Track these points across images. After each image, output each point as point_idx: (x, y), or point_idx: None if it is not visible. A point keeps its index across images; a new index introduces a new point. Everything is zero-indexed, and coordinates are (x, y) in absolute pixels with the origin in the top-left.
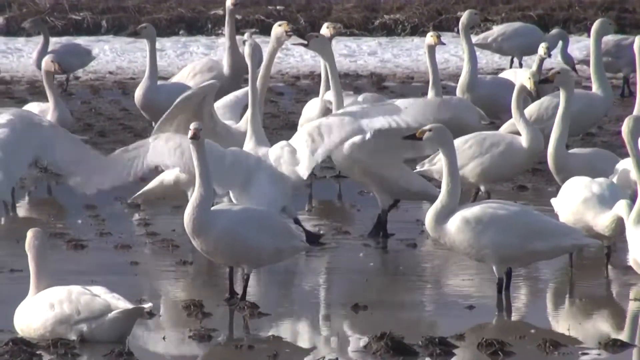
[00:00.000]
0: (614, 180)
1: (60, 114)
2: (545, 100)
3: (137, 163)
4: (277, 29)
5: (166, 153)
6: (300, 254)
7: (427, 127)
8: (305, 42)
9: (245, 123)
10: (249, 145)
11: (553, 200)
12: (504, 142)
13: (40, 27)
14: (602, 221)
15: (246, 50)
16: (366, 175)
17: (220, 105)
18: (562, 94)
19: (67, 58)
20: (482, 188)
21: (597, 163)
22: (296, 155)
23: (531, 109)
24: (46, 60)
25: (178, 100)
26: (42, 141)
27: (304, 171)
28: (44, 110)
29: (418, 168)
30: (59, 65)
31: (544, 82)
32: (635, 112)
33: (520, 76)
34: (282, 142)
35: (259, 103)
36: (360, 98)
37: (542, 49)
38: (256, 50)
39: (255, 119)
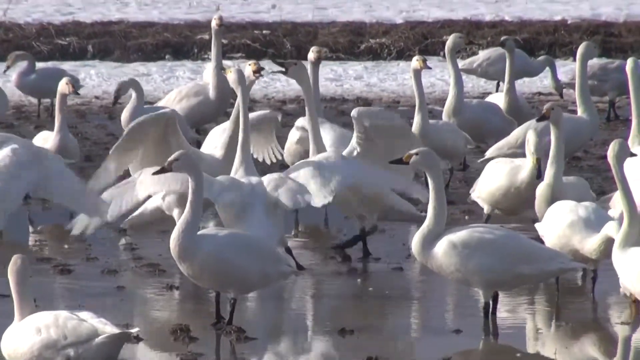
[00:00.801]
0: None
1: (61, 139)
2: (531, 123)
3: (127, 199)
4: (247, 68)
5: (162, 181)
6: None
7: (414, 151)
8: (284, 69)
9: (221, 151)
10: (238, 173)
11: (537, 225)
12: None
13: (22, 58)
14: (589, 244)
15: (232, 77)
16: (355, 195)
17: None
18: (553, 130)
19: (50, 83)
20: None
21: (582, 191)
22: (303, 186)
23: (517, 133)
24: (62, 82)
25: (130, 127)
26: (41, 176)
27: (320, 200)
28: (46, 137)
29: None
30: (73, 86)
31: (541, 120)
32: (631, 134)
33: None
34: (276, 174)
35: (248, 132)
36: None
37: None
38: (243, 76)
39: (245, 147)
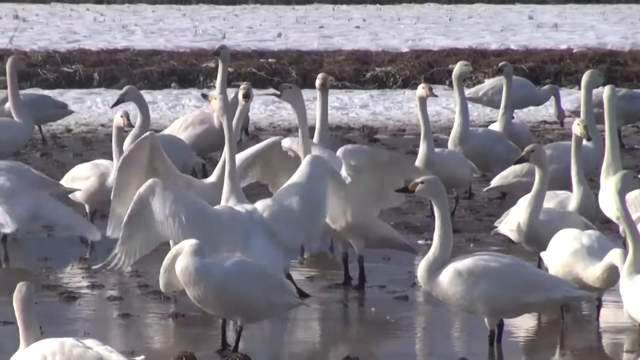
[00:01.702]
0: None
1: None
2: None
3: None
4: (239, 97)
5: (163, 222)
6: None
7: (420, 179)
8: (278, 92)
9: (215, 177)
10: (230, 202)
11: (543, 254)
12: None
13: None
14: (592, 272)
15: (216, 105)
16: (346, 224)
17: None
18: (537, 171)
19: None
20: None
21: (566, 225)
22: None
23: (515, 168)
24: (116, 116)
25: (119, 165)
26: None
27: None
28: (103, 173)
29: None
30: (127, 119)
31: (519, 162)
32: (604, 163)
33: (573, 128)
34: (269, 200)
35: (234, 159)
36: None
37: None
38: (228, 105)
39: (233, 174)
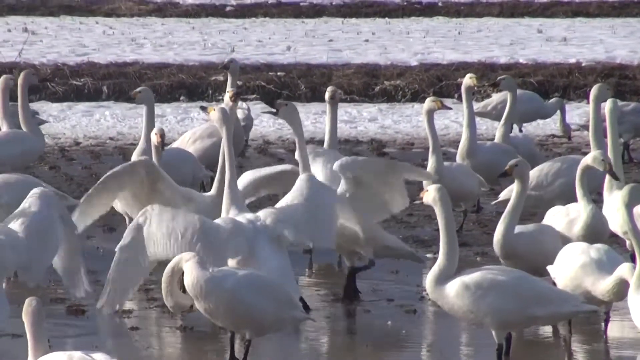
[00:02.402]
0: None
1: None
2: (545, 166)
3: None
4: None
5: (161, 242)
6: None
7: (427, 187)
8: (274, 110)
9: (215, 190)
10: (231, 212)
11: (549, 268)
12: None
13: None
14: (602, 286)
15: (215, 116)
16: (353, 235)
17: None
18: (516, 185)
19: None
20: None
21: (543, 239)
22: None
23: (531, 175)
24: (152, 134)
25: (104, 178)
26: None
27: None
28: None
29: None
30: (161, 137)
31: (503, 176)
32: (607, 179)
33: (588, 157)
34: (272, 209)
35: (234, 171)
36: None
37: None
38: (227, 115)
39: (233, 184)
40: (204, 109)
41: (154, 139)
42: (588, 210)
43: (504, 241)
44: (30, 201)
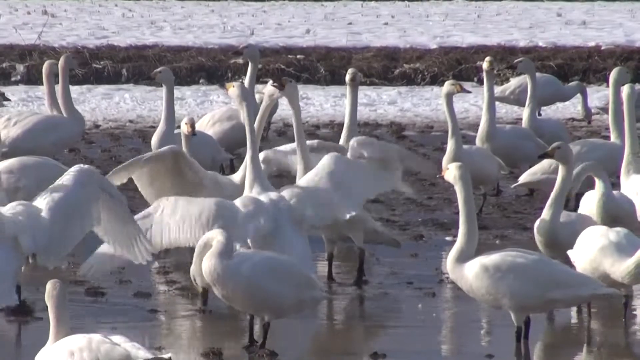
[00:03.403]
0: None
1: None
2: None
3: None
4: (268, 87)
5: (174, 229)
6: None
7: (449, 165)
8: (277, 85)
9: (242, 172)
10: (254, 190)
11: (570, 252)
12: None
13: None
14: (621, 268)
15: (234, 92)
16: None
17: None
18: (560, 170)
19: None
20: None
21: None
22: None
23: (543, 165)
24: (182, 123)
25: (130, 162)
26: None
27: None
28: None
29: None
30: (191, 127)
31: (543, 157)
32: (624, 161)
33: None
34: (296, 187)
35: (257, 148)
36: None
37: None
38: (246, 91)
39: (255, 161)
40: (222, 85)
41: (185, 128)
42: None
43: (550, 229)
44: (65, 178)
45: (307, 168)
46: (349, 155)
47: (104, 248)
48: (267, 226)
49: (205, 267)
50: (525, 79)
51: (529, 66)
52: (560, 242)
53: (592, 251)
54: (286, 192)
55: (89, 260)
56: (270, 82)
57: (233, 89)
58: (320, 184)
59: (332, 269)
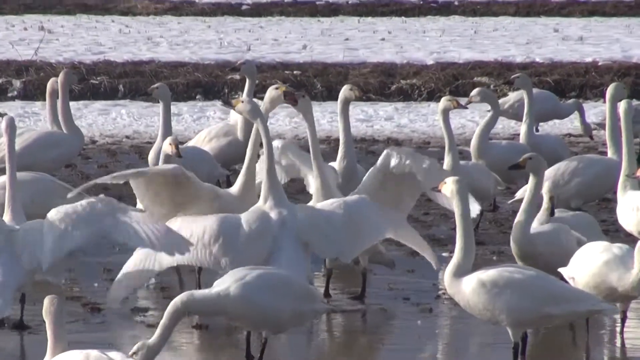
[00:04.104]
0: None
1: None
2: (561, 165)
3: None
4: (272, 92)
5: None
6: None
7: (447, 179)
8: (293, 101)
9: (240, 186)
10: (267, 203)
11: (562, 270)
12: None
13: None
14: (630, 279)
15: (244, 108)
16: None
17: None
18: (531, 180)
19: None
20: (573, 204)
21: (560, 239)
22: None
23: (547, 174)
24: (165, 143)
25: (127, 174)
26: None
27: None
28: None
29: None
30: (176, 147)
31: (514, 168)
32: (621, 178)
33: None
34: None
35: (272, 160)
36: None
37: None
38: (257, 106)
39: (271, 175)
40: (227, 103)
41: (168, 149)
42: None
43: (522, 239)
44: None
45: (324, 184)
46: (378, 163)
47: (129, 267)
48: (266, 251)
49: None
50: (524, 93)
51: (526, 82)
52: (534, 252)
53: (596, 265)
54: (301, 212)
55: (118, 282)
56: (273, 87)
57: (242, 104)
58: (336, 217)
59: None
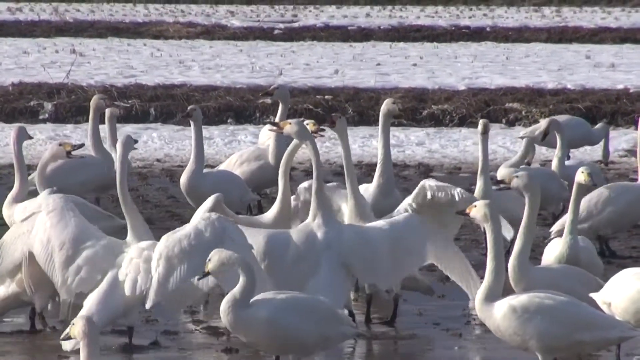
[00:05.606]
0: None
1: None
2: (594, 195)
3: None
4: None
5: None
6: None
7: (476, 202)
8: (332, 123)
9: (275, 211)
10: (316, 222)
11: (594, 295)
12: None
13: None
14: None
15: (293, 129)
16: None
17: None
18: (527, 200)
19: None
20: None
21: (562, 281)
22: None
23: (583, 206)
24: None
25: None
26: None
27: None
28: None
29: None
30: (70, 147)
31: (498, 187)
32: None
33: (577, 176)
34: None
35: (322, 180)
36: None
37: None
38: (305, 127)
39: (320, 195)
40: (275, 124)
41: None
42: (568, 239)
43: (518, 271)
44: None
45: (358, 204)
46: (414, 192)
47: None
48: (310, 269)
49: (224, 319)
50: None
51: (559, 127)
52: (531, 285)
53: (636, 290)
54: (348, 231)
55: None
56: (297, 121)
57: (290, 126)
58: (382, 241)
59: (359, 311)
